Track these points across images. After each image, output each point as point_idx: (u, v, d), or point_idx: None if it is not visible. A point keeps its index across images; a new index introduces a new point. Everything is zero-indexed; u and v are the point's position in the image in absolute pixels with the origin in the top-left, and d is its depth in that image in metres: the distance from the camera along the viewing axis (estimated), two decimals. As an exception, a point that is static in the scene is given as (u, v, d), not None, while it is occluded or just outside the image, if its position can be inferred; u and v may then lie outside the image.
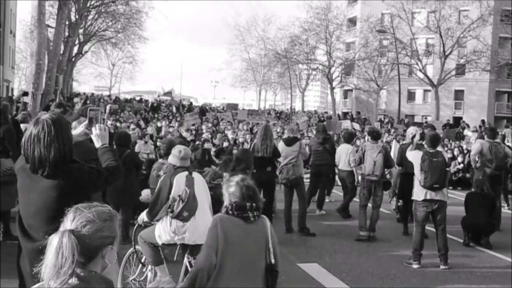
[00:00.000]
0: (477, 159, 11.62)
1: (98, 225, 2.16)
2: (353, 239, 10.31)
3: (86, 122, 3.99)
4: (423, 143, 9.39)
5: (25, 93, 14.66)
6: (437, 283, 7.86)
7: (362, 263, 8.78)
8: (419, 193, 8.64)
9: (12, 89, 48.10)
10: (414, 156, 8.82)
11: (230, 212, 3.94)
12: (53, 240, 2.06)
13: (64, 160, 3.43)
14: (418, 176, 8.59)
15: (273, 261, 4.05)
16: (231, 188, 4.01)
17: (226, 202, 4.00)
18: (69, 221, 2.16)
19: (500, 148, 11.45)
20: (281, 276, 7.72)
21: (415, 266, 8.62)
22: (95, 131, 3.87)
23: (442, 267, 8.56)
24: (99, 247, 2.17)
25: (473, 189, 10.68)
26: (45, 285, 2.07)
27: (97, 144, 3.86)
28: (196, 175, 6.00)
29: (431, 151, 8.62)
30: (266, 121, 30.73)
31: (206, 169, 12.49)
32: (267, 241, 4.05)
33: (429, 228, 9.30)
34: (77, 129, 4.03)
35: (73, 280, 2.06)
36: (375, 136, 10.83)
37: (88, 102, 33.28)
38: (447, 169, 8.58)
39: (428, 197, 8.53)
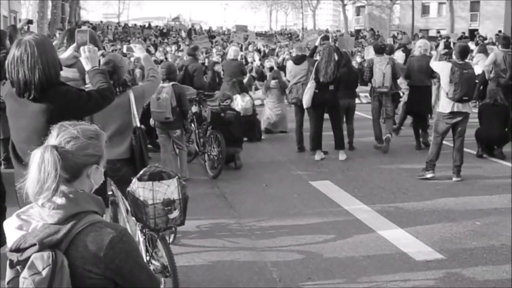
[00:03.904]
0: (490, 69, 11.37)
1: (82, 142, 2.12)
2: (365, 156, 10.32)
3: (75, 44, 3.91)
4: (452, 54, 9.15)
5: (30, 22, 14.35)
6: (450, 195, 7.86)
7: (374, 179, 8.79)
8: (445, 105, 8.36)
9: (20, 20, 47.57)
10: (442, 68, 8.54)
11: None
12: (35, 155, 2.04)
13: (50, 83, 3.34)
14: (446, 88, 8.32)
15: (138, 124, 4.88)
16: None
17: None
18: (53, 138, 2.12)
19: (514, 57, 11.14)
20: (293, 195, 7.87)
21: (429, 175, 8.62)
22: (84, 53, 3.80)
23: (454, 179, 8.54)
24: (83, 164, 2.14)
25: (486, 100, 10.49)
26: (33, 204, 2.06)
27: (87, 66, 3.81)
28: None
29: (461, 62, 8.35)
30: (276, 42, 30.29)
31: (217, 92, 12.45)
32: (131, 108, 4.89)
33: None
34: (66, 52, 3.96)
35: (60, 200, 2.03)
36: (380, 50, 10.93)
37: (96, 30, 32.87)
38: (476, 81, 8.36)
39: (455, 109, 8.29)
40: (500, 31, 38.51)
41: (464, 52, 8.52)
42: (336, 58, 9.67)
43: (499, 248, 5.88)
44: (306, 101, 9.90)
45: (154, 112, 8.08)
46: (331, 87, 9.75)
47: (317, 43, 11.08)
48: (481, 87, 11.92)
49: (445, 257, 5.65)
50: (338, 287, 5.02)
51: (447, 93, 8.25)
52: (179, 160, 8.55)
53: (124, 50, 6.03)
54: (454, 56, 8.72)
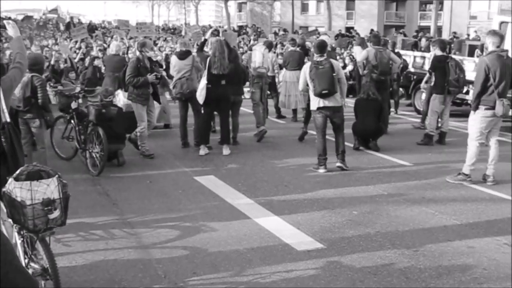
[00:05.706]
0: (363, 65, 11.98)
1: None
2: (248, 151, 10.50)
3: None
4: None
5: None
6: (329, 186, 8.17)
7: (257, 173, 8.97)
8: (314, 102, 8.87)
9: None
10: (304, 71, 8.95)
11: None
12: None
13: None
14: (310, 86, 8.77)
15: (7, 119, 4.53)
16: None
17: None
18: None
19: (384, 54, 11.77)
20: (178, 190, 7.85)
21: (321, 171, 8.94)
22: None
23: (339, 164, 9.05)
24: None
25: (360, 95, 11.02)
26: None
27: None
28: None
29: (318, 59, 8.79)
30: (158, 36, 29.94)
31: (98, 88, 12.13)
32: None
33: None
34: None
35: None
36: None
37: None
38: (334, 74, 8.74)
39: (321, 105, 8.77)
40: (372, 30, 40.44)
41: (322, 47, 9.01)
42: (227, 51, 9.83)
43: (374, 236, 6.21)
44: (201, 97, 9.93)
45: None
46: (223, 82, 9.85)
47: (207, 36, 11.17)
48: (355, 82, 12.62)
49: (325, 246, 5.88)
50: (223, 281, 5.08)
51: (311, 91, 8.79)
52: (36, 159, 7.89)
53: None
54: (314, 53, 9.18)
